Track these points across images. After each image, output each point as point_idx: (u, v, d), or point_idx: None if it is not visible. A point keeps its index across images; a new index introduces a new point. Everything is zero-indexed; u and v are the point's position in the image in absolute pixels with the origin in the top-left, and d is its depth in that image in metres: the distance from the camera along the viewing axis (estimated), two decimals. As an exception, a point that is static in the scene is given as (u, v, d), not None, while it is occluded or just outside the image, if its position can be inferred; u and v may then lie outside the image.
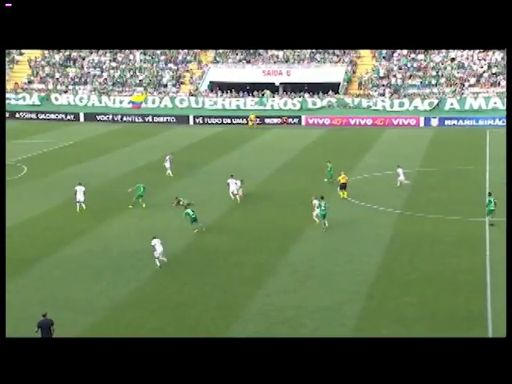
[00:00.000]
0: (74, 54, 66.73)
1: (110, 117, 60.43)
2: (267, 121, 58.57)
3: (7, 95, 62.00)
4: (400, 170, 35.69)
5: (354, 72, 61.95)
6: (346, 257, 25.50)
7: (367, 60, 63.00)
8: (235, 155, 45.74)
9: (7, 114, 61.15)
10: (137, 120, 60.07)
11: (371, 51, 62.59)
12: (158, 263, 24.34)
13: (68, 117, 60.94)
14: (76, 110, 61.17)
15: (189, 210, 28.26)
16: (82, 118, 60.90)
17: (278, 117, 58.61)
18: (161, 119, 59.89)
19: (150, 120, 59.93)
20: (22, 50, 67.08)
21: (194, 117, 59.56)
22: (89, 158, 44.55)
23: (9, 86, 63.94)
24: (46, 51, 67.03)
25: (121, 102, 60.98)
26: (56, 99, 61.89)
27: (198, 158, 43.71)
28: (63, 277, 23.62)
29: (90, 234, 28.18)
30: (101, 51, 66.43)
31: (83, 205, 31.34)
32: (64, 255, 25.67)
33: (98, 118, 60.58)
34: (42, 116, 61.14)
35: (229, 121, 58.86)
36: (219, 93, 61.08)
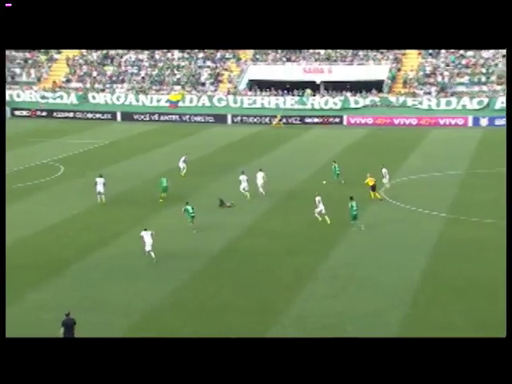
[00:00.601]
0: (112, 52, 67.82)
1: (147, 116, 61.21)
2: (307, 120, 58.48)
3: (46, 94, 63.47)
4: (385, 170, 35.43)
5: (398, 70, 61.33)
6: (388, 261, 25.27)
7: (413, 57, 62.32)
8: (274, 155, 45.78)
9: (45, 113, 62.69)
10: (174, 119, 60.70)
11: (417, 48, 61.93)
12: (153, 255, 25.06)
13: (105, 116, 61.98)
14: (113, 109, 62.17)
15: (188, 207, 28.74)
16: (118, 118, 61.86)
17: (319, 116, 58.47)
18: (198, 118, 60.37)
19: (188, 119, 60.47)
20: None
21: (232, 116, 59.88)
22: (125, 157, 45.20)
23: (47, 84, 65.39)
24: (83, 50, 68.28)
25: (158, 100, 61.71)
26: (93, 98, 63.01)
27: (237, 158, 43.89)
28: (100, 278, 24.03)
29: (127, 234, 28.58)
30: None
31: (103, 196, 32.85)
32: (101, 256, 26.12)
33: (135, 117, 61.42)
34: (79, 115, 62.33)
35: (268, 120, 58.98)
36: (258, 91, 61.26)
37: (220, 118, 59.82)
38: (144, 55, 67.20)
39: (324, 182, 36.55)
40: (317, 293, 22.48)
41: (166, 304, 21.84)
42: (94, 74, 66.07)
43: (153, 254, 25.20)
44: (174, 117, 60.77)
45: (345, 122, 58.03)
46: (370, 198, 32.81)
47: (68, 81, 65.80)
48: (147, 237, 25.20)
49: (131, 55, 67.36)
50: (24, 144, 50.04)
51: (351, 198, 28.99)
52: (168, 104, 61.42)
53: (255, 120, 59.11)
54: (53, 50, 68.75)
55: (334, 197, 32.46)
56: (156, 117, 61.05)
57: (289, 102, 59.67)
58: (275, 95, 60.37)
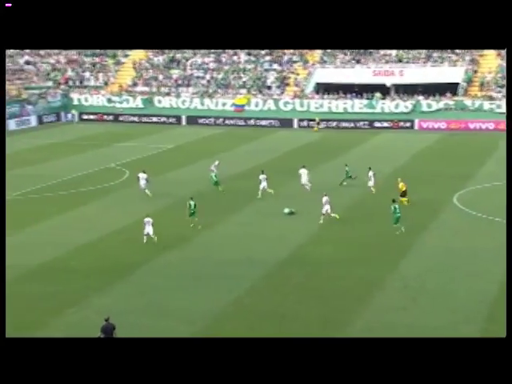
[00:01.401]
0: (178, 55, 69.00)
1: (212, 120, 61.87)
2: (376, 125, 57.71)
3: (112, 98, 65.16)
4: (371, 174, 35.50)
5: (475, 71, 59.74)
6: (462, 272, 24.55)
7: (491, 58, 60.60)
8: (342, 160, 45.35)
9: (111, 117, 64.36)
10: (239, 123, 61.08)
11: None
12: (145, 240, 27.81)
13: (170, 120, 63.05)
14: (178, 113, 63.18)
15: (191, 202, 29.96)
16: (183, 121, 62.82)
17: (389, 120, 57.60)
18: (264, 122, 60.55)
19: (253, 123, 60.74)
20: (127, 52, 70.00)
21: (299, 120, 59.76)
22: (190, 162, 45.75)
23: (113, 88, 67.09)
24: (150, 52, 69.74)
25: (223, 104, 62.30)
26: (159, 102, 64.23)
27: (303, 163, 43.69)
28: (164, 284, 24.28)
29: (194, 240, 28.84)
30: (203, 51, 68.04)
31: (147, 191, 35.46)
32: (165, 261, 26.44)
33: (200, 121, 62.22)
34: (144, 119, 63.64)
35: (335, 124, 58.56)
36: (325, 95, 60.92)
37: (286, 122, 59.80)
38: (210, 58, 68.03)
39: (345, 183, 37.26)
40: (385, 304, 22.05)
41: (228, 312, 21.88)
42: (160, 77, 67.35)
43: (152, 236, 27.86)
44: (239, 121, 61.18)
45: (416, 127, 56.93)
46: (405, 205, 32.01)
47: (134, 84, 67.33)
48: (148, 225, 27.92)
49: (197, 59, 68.31)
50: (91, 148, 51.39)
51: (393, 201, 28.82)
52: (233, 108, 61.90)
53: (322, 124, 58.75)
54: (120, 54, 70.43)
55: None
56: (221, 121, 61.62)
57: (357, 105, 59.05)
58: (343, 99, 59.90)
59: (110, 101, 65.09)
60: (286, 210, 32.30)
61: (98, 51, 70.11)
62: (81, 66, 70.52)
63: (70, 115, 64.60)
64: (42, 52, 70.45)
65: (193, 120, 62.32)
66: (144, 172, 36.03)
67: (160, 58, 69.46)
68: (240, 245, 28.16)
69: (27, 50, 69.37)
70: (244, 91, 63.39)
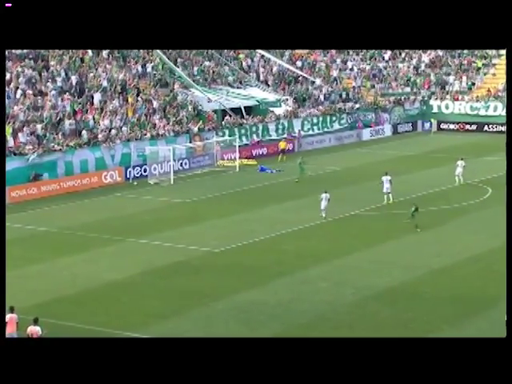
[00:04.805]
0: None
1: None
2: None
3: (475, 104, 64.60)
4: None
5: None
6: None
7: None
8: None
9: (475, 127, 63.74)
10: None
11: None
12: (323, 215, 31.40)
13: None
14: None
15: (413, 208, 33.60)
16: None
17: None
18: None
19: None
20: (501, 51, 68.25)
21: None
22: None
23: (479, 93, 66.24)
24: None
25: None
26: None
27: None
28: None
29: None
30: None
31: (390, 195, 38.39)
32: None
33: None
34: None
35: None
36: None
37: None
38: None
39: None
40: None
41: None
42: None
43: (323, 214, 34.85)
44: None
45: None
46: None
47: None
48: (324, 200, 35.07)
49: None
50: (449, 161, 51.01)
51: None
52: None
53: None
54: (491, 54, 68.90)
55: None
56: None
57: None
58: None
59: (472, 108, 64.58)
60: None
61: (466, 51, 69.64)
62: (442, 67, 70.66)
63: (427, 124, 65.66)
64: (403, 53, 72.44)
65: None
66: (387, 174, 38.53)
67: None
68: None
69: (388, 51, 72.00)
70: None
